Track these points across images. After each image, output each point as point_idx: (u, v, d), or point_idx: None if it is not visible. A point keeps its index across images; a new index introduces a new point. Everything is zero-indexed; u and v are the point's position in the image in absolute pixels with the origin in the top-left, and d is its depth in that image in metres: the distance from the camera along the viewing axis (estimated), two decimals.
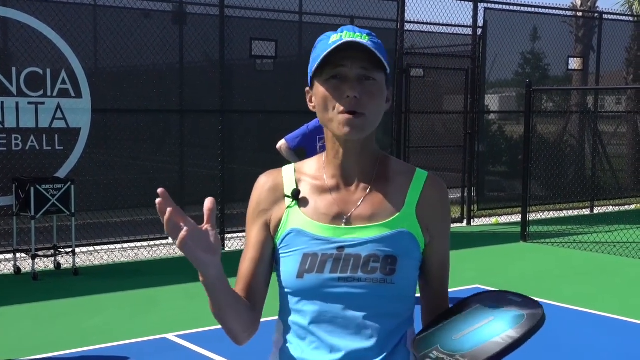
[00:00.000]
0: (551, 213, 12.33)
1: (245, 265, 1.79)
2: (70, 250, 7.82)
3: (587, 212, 12.83)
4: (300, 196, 1.72)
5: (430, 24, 11.87)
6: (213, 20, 9.34)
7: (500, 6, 11.91)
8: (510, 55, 12.28)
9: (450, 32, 12.31)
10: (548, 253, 9.31)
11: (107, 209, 8.73)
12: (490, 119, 12.90)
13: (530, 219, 10.21)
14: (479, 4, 11.54)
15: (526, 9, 12.22)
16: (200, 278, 1.58)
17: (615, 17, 13.74)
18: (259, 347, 5.64)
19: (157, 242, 9.20)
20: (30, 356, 5.27)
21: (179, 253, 8.91)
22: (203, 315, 6.29)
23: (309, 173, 1.76)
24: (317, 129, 6.47)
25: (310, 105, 1.72)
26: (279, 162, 9.04)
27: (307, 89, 1.73)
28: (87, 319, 6.19)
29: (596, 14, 13.56)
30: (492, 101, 12.88)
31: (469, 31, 11.76)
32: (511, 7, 12.04)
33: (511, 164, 12.74)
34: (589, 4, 14.16)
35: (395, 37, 10.70)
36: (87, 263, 8.35)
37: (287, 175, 1.77)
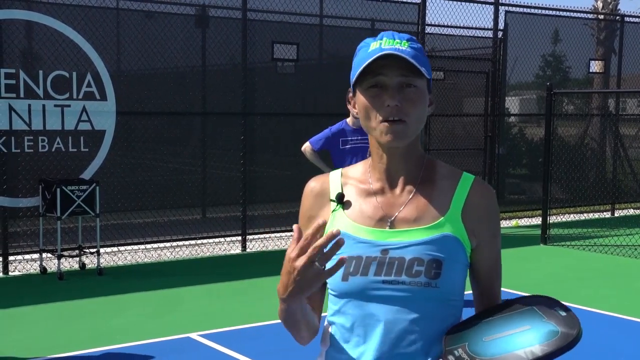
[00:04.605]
0: (572, 216, 12.30)
1: None
2: (94, 250, 7.93)
3: (607, 215, 12.78)
4: (346, 200, 1.74)
5: (451, 26, 11.89)
6: (235, 24, 9.43)
7: (521, 9, 11.91)
8: (530, 57, 12.27)
9: (471, 34, 12.33)
10: (568, 256, 9.30)
11: (131, 210, 8.85)
12: (510, 121, 12.89)
13: (550, 221, 10.20)
14: (500, 6, 11.55)
15: (547, 11, 12.21)
16: (283, 298, 1.59)
17: (637, 19, 13.68)
18: (281, 346, 5.73)
19: (180, 243, 9.31)
20: (55, 354, 5.37)
21: (201, 254, 9.01)
22: (226, 315, 6.37)
23: (355, 177, 1.77)
24: (340, 132, 6.53)
25: (354, 111, 1.73)
26: (301, 164, 9.15)
27: (350, 95, 1.76)
28: (111, 318, 6.30)
29: (618, 17, 13.50)
30: (512, 104, 12.87)
31: (490, 34, 11.77)
32: (532, 10, 12.03)
33: (531, 166, 12.72)
34: (610, 6, 14.11)
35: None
36: (111, 263, 8.47)
37: (334, 179, 1.79)
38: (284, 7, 9.72)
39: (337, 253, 1.64)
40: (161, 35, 8.92)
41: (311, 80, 10.15)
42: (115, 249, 8.81)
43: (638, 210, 13.12)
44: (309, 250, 1.49)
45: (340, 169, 1.83)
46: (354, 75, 1.68)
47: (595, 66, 12.89)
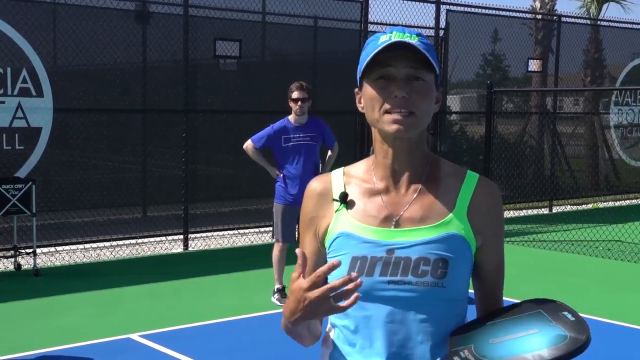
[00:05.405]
0: (511, 212, 12.52)
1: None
2: (30, 250, 7.73)
3: (546, 211, 13.06)
4: (349, 199, 1.70)
5: (394, 25, 11.96)
6: (177, 20, 9.31)
7: (462, 8, 12.06)
8: (471, 56, 12.44)
9: None
10: (508, 252, 9.37)
11: (69, 209, 8.65)
12: (451, 119, 13.05)
13: None
14: (441, 5, 11.68)
15: (487, 11, 12.40)
16: (290, 316, 1.57)
17: (573, 20, 14.01)
18: (222, 346, 5.67)
19: (120, 242, 9.14)
20: None
21: (142, 253, 8.87)
22: (167, 315, 6.28)
23: (358, 175, 1.74)
24: (282, 130, 6.51)
25: (359, 106, 1.70)
26: (243, 162, 9.02)
27: (356, 90, 1.71)
28: (49, 320, 6.14)
29: (555, 17, 13.80)
30: (453, 102, 13.03)
31: (432, 32, 11.88)
32: (472, 10, 12.20)
33: (472, 164, 12.90)
34: (547, 7, 14.42)
35: (359, 38, 10.78)
36: (48, 264, 8.26)
37: (336, 179, 1.75)
38: (226, 3, 9.63)
39: (344, 252, 1.64)
40: (100, 31, 8.74)
41: (254, 77, 10.08)
42: (52, 249, 8.61)
43: (575, 207, 13.44)
44: (324, 289, 1.47)
45: (343, 168, 1.79)
46: (361, 66, 1.64)
47: (534, 65, 13.15)
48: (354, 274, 1.46)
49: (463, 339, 1.60)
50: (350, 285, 1.46)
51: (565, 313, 1.57)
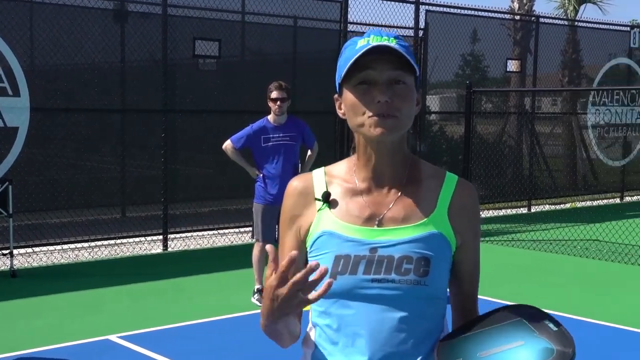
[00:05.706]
0: (490, 212, 12.59)
1: None
2: (7, 251, 7.65)
3: (524, 211, 13.14)
4: (331, 198, 1.71)
5: (373, 25, 11.98)
6: (155, 19, 9.26)
7: (441, 8, 12.11)
8: (450, 56, 12.48)
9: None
10: (487, 251, 9.50)
11: (46, 210, 8.57)
12: (431, 119, 13.10)
13: None
14: (420, 6, 11.71)
15: (466, 11, 12.45)
16: (268, 316, 1.56)
17: (551, 20, 14.11)
18: (202, 347, 5.65)
19: (99, 243, 9.08)
20: None
21: (121, 254, 8.80)
22: (146, 316, 6.25)
23: (340, 175, 1.75)
24: (262, 130, 6.49)
25: (340, 112, 1.70)
26: (223, 162, 8.99)
27: (336, 96, 1.71)
28: (27, 322, 6.08)
29: (533, 18, 13.89)
30: (433, 102, 13.07)
31: (411, 33, 11.91)
32: (451, 10, 12.25)
33: (452, 164, 12.95)
34: (526, 7, 14.51)
35: (338, 38, 10.78)
36: (26, 265, 8.19)
37: (318, 178, 1.76)
38: (205, 3, 9.59)
39: (327, 251, 1.64)
40: (77, 30, 8.67)
41: (233, 77, 10.05)
42: (29, 250, 8.52)
43: (553, 206, 13.54)
44: (289, 285, 1.46)
45: (323, 168, 1.79)
46: (340, 72, 1.64)
47: (512, 65, 13.22)
48: (313, 263, 1.46)
49: (450, 351, 1.60)
50: (315, 276, 1.45)
51: (547, 322, 1.58)
